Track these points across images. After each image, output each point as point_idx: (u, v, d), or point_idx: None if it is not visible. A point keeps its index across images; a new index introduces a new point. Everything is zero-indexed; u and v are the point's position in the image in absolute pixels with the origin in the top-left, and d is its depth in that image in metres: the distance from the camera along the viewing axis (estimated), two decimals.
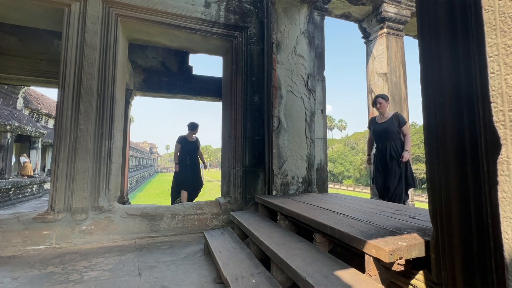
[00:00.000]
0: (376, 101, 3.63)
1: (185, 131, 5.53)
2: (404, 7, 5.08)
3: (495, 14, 0.89)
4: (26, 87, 12.50)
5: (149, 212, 3.16)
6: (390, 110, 3.98)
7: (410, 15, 5.11)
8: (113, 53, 3.23)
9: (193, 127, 5.42)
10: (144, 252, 2.65)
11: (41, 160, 14.70)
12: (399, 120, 3.51)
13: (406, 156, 3.36)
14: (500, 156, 0.87)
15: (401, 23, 5.09)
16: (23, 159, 12.83)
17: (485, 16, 0.93)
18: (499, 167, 0.87)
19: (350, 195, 3.41)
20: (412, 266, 1.38)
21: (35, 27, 3.91)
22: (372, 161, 3.83)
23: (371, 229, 1.60)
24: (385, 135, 3.56)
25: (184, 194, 5.03)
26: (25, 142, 13.50)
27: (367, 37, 5.38)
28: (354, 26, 5.62)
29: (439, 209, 1.19)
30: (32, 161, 13.49)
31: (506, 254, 0.84)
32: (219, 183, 4.23)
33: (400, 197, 3.51)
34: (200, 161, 5.57)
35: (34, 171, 13.49)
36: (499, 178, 0.87)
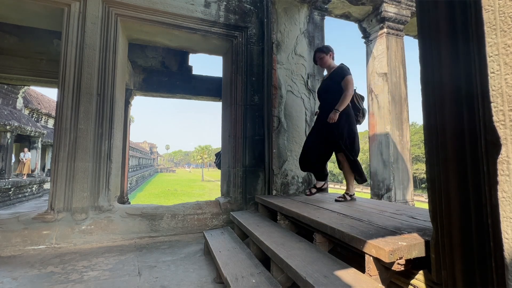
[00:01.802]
0: (315, 57, 2.97)
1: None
2: (404, 7, 5.08)
3: (495, 13, 0.89)
4: (26, 87, 12.48)
5: (149, 212, 3.16)
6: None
7: (410, 15, 5.11)
8: (113, 53, 3.23)
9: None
10: (144, 252, 2.65)
11: (41, 160, 14.68)
12: (340, 73, 2.77)
13: (332, 116, 2.63)
14: (500, 156, 0.87)
15: (401, 23, 5.08)
16: (23, 155, 12.70)
17: (485, 16, 0.93)
18: (499, 167, 0.87)
19: None
20: (412, 266, 1.38)
21: (35, 27, 3.91)
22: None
23: (371, 229, 1.60)
24: (323, 94, 2.93)
25: None
26: (24, 142, 13.48)
27: (367, 37, 5.38)
28: (354, 26, 5.62)
29: (439, 209, 1.19)
30: (32, 161, 13.45)
31: (506, 254, 0.84)
32: (219, 183, 4.23)
33: (319, 173, 3.06)
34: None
35: (33, 171, 13.46)
36: (499, 178, 0.87)
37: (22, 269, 2.22)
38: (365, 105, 3.05)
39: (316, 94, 3.02)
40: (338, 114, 2.63)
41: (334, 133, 2.71)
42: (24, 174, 12.47)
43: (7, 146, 11.24)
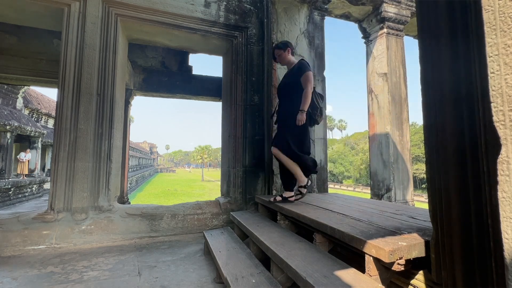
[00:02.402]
0: (274, 54, 2.86)
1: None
2: (404, 7, 5.08)
3: (495, 14, 0.89)
4: (25, 87, 12.49)
5: (149, 212, 3.16)
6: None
7: (410, 15, 5.11)
8: (113, 53, 3.23)
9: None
10: (144, 252, 2.65)
11: (40, 160, 14.69)
12: (300, 69, 2.63)
13: (300, 118, 2.51)
14: (500, 156, 0.87)
15: (401, 23, 5.09)
16: (23, 155, 12.67)
17: (485, 16, 0.93)
18: (499, 167, 0.87)
19: (350, 195, 3.41)
20: (412, 266, 1.38)
21: (35, 26, 3.90)
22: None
23: (371, 229, 1.60)
24: (282, 90, 2.78)
25: None
26: (24, 142, 13.49)
27: (367, 37, 5.38)
28: (354, 26, 5.62)
29: (439, 209, 1.19)
30: (32, 161, 13.46)
31: (506, 254, 0.84)
32: (219, 183, 4.23)
33: (286, 181, 2.75)
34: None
35: (33, 171, 13.45)
36: (499, 178, 0.87)
37: (22, 269, 2.22)
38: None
39: (277, 92, 2.86)
40: (304, 114, 2.52)
41: (286, 130, 2.63)
42: (23, 174, 12.47)
43: (7, 146, 11.25)
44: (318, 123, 2.74)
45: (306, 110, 2.52)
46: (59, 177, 2.86)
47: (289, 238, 2.04)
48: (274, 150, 2.69)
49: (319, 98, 2.69)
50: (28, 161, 12.96)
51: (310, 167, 2.67)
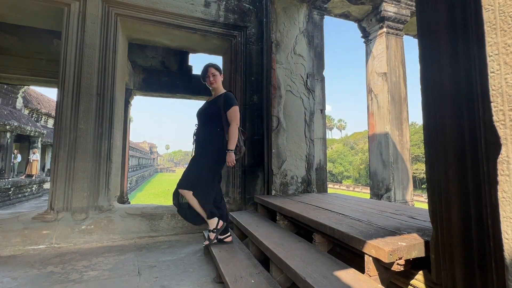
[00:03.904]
0: (207, 71, 2.49)
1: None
2: (404, 6, 5.08)
3: (495, 13, 0.89)
4: (25, 87, 12.49)
5: (149, 211, 3.16)
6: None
7: (409, 15, 5.11)
8: (113, 53, 3.22)
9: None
10: (144, 252, 2.65)
11: (40, 160, 14.69)
12: (227, 101, 2.37)
13: (230, 160, 2.28)
14: (500, 155, 0.87)
15: (401, 23, 5.08)
16: (32, 155, 12.76)
17: (485, 15, 0.92)
18: (499, 166, 0.87)
19: (349, 195, 3.41)
20: (412, 266, 1.38)
21: (35, 26, 3.90)
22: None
23: (370, 229, 1.60)
24: (201, 121, 2.48)
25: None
26: (24, 141, 13.49)
27: (367, 36, 5.37)
28: (353, 25, 5.62)
29: (439, 209, 1.19)
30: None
31: (506, 254, 0.84)
32: None
33: (193, 217, 2.38)
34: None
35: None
36: (499, 178, 0.87)
37: (22, 269, 2.22)
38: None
39: (196, 115, 2.56)
40: (233, 153, 2.30)
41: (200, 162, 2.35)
42: (33, 174, 12.56)
43: (7, 146, 11.24)
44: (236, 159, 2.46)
45: (234, 149, 2.31)
46: (59, 177, 2.86)
47: (289, 238, 2.04)
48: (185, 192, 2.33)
49: (241, 135, 2.48)
50: (37, 161, 13.01)
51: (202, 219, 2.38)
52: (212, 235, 2.34)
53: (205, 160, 2.35)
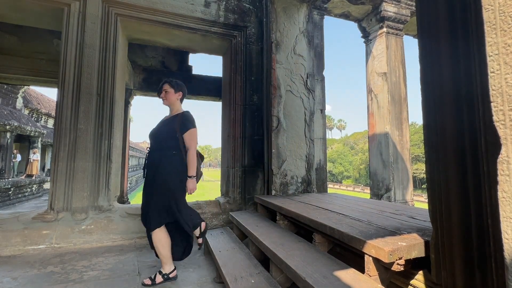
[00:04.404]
0: (161, 87, 2.32)
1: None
2: (404, 6, 5.08)
3: (495, 13, 0.89)
4: (25, 87, 12.49)
5: None
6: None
7: (410, 15, 5.11)
8: (113, 53, 3.22)
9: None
10: (144, 252, 2.65)
11: (40, 160, 14.69)
12: (184, 123, 2.18)
13: (191, 187, 2.13)
14: (500, 155, 0.87)
15: (401, 23, 5.08)
16: (32, 155, 12.77)
17: (485, 15, 0.92)
18: (499, 166, 0.87)
19: (349, 195, 3.41)
20: (412, 266, 1.38)
21: (35, 26, 3.90)
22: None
23: (370, 229, 1.60)
24: (156, 143, 2.24)
25: None
26: (24, 141, 13.49)
27: (367, 36, 5.37)
28: (353, 25, 5.61)
29: (439, 209, 1.19)
30: None
31: (506, 254, 0.84)
32: (219, 183, 4.23)
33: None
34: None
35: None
36: (499, 178, 0.87)
37: (22, 269, 2.22)
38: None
39: (149, 136, 2.33)
40: (194, 180, 2.15)
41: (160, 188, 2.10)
42: (34, 174, 12.56)
43: (7, 146, 11.24)
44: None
45: (195, 175, 2.15)
46: (59, 177, 2.86)
47: (288, 238, 2.04)
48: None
49: (199, 159, 2.32)
50: (37, 161, 13.01)
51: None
52: (200, 240, 2.31)
53: (163, 186, 2.08)
